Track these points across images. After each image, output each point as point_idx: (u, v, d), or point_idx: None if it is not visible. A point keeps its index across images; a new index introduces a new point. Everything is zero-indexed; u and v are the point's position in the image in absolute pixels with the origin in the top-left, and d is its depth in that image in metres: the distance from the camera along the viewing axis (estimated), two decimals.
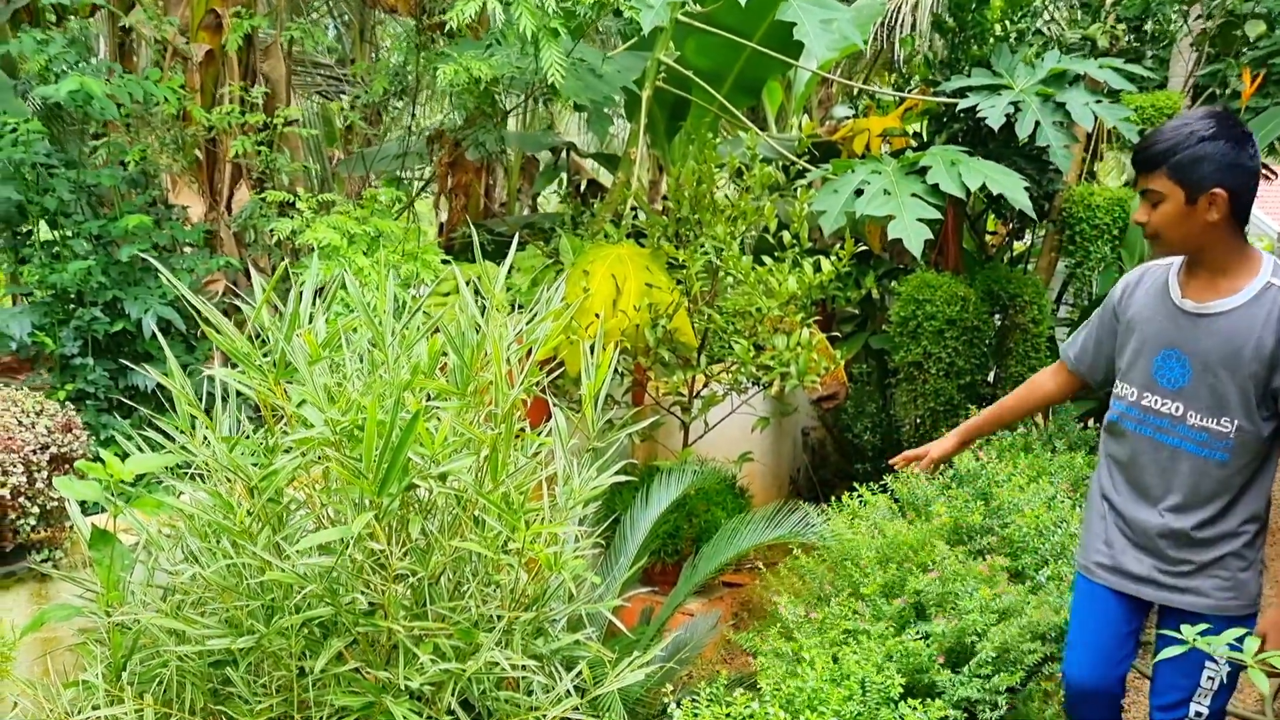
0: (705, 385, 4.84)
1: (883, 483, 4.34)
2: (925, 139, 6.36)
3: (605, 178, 8.87)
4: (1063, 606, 3.30)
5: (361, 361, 2.72)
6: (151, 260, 2.64)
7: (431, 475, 2.50)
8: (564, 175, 7.38)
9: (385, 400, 2.44)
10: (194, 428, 2.72)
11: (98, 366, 4.01)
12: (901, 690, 2.76)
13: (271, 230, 4.25)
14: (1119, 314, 2.75)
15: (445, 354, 2.73)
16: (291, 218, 4.13)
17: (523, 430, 2.70)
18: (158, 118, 4.71)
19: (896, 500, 4.16)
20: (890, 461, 3.25)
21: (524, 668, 2.62)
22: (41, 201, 3.98)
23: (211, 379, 2.77)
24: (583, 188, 7.83)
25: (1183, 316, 2.57)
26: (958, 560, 3.26)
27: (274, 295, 2.71)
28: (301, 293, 2.65)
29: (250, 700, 2.64)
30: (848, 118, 7.75)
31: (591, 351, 2.81)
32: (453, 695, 2.55)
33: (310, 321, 2.66)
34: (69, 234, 4.03)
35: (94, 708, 2.64)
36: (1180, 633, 2.20)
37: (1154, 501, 2.66)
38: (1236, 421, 2.51)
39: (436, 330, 2.72)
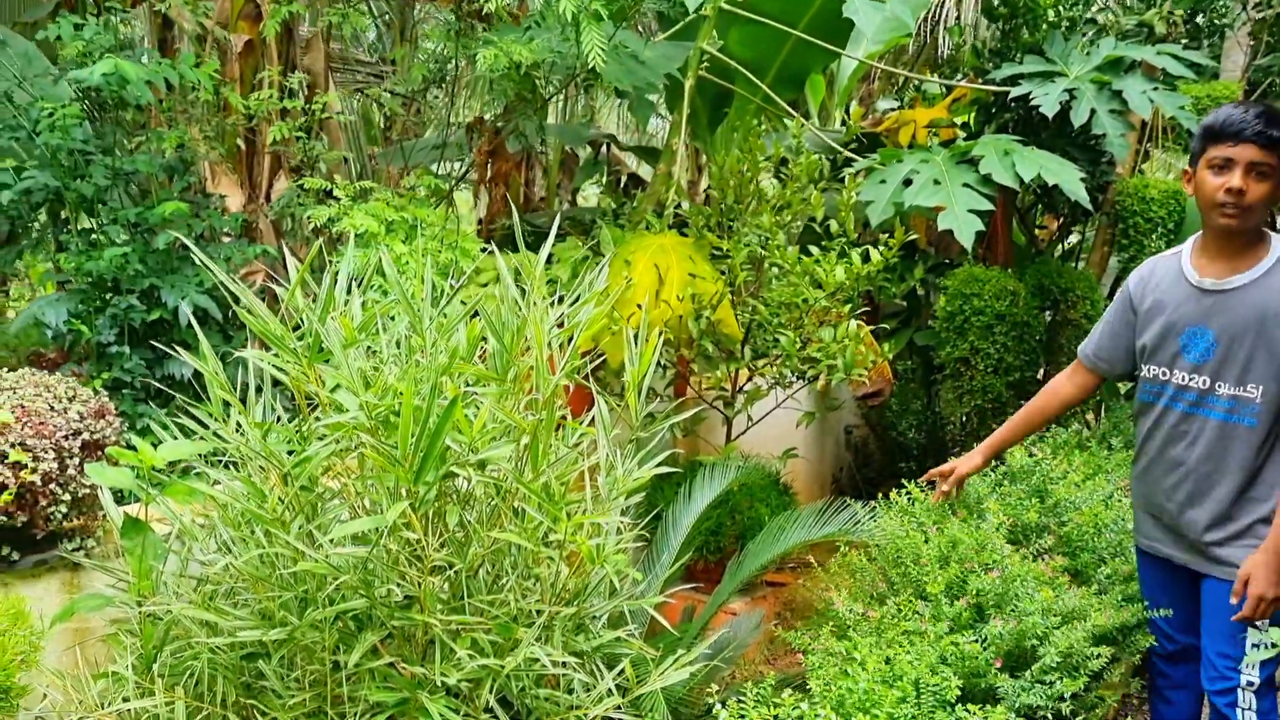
0: (749, 380, 4.73)
1: (931, 480, 4.21)
2: (974, 130, 6.21)
3: (645, 172, 8.77)
4: (1125, 606, 3.17)
5: (398, 347, 2.64)
6: (185, 240, 2.56)
7: (470, 463, 2.41)
8: (604, 169, 7.29)
9: (422, 385, 2.35)
10: (227, 414, 2.65)
11: (134, 355, 3.96)
12: (959, 693, 2.63)
13: (309, 219, 4.18)
14: (1136, 306, 2.98)
15: (484, 340, 2.65)
16: (330, 205, 4.06)
17: (564, 419, 2.61)
18: (197, 107, 4.67)
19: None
20: (924, 478, 3.37)
21: (565, 665, 2.52)
22: (78, 188, 3.93)
23: (247, 368, 2.70)
24: (623, 182, 7.74)
25: (1204, 295, 2.79)
26: (1018, 560, 3.13)
27: (309, 280, 2.63)
28: (337, 275, 2.57)
29: (282, 694, 2.57)
30: (892, 110, 7.60)
31: (635, 339, 2.71)
32: (491, 693, 2.46)
33: (345, 304, 2.58)
34: (106, 221, 3.98)
35: (124, 699, 2.58)
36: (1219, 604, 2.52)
37: (1186, 474, 2.87)
38: (1262, 386, 2.71)
39: (475, 315, 2.63)
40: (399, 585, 2.45)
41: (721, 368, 4.39)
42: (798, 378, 4.62)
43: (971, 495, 3.90)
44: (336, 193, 4.04)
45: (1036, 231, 7.41)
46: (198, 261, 4.17)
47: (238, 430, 2.68)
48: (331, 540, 2.37)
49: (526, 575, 2.59)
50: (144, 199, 4.22)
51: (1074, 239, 7.38)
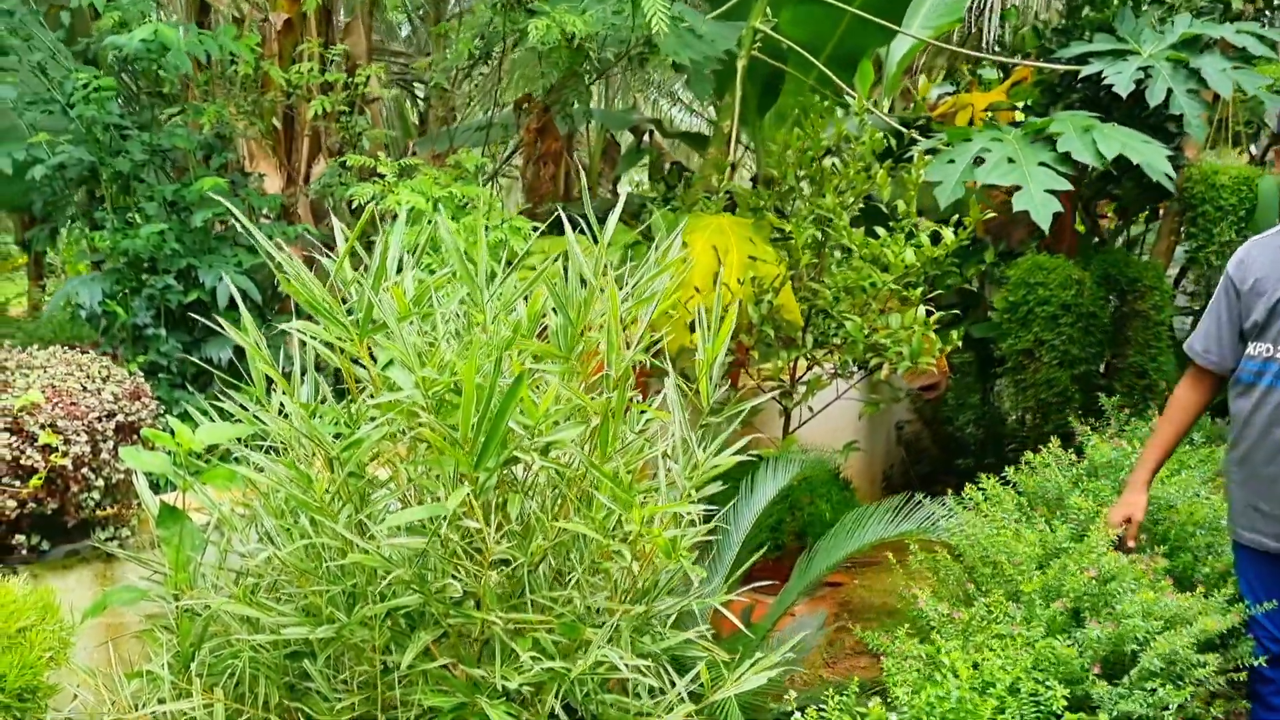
0: (809, 369, 4.51)
1: (1003, 475, 3.97)
2: (1039, 114, 5.96)
3: (691, 162, 8.57)
4: (1230, 610, 2.93)
5: (459, 318, 2.44)
6: (228, 205, 2.38)
7: (534, 448, 2.21)
8: (650, 156, 7.09)
9: (483, 362, 2.15)
10: (269, 394, 2.47)
11: (170, 337, 3.80)
12: (1065, 702, 2.41)
13: (351, 199, 4.00)
14: (1239, 289, 2.89)
15: (544, 315, 2.45)
16: (374, 184, 3.88)
17: (633, 400, 2.40)
18: (236, 84, 4.50)
19: (1021, 494, 3.79)
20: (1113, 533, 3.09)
21: (636, 669, 2.31)
22: (114, 164, 3.78)
23: (288, 355, 2.52)
24: (667, 169, 7.53)
25: None
26: (1115, 559, 2.89)
27: (359, 248, 2.44)
28: (389, 245, 2.37)
29: (329, 697, 2.38)
30: (946, 95, 7.36)
31: (707, 319, 2.51)
32: (556, 698, 2.26)
33: (398, 273, 2.38)
34: (142, 198, 3.82)
35: (159, 701, 2.40)
36: None
37: None
38: None
39: (529, 294, 2.43)
40: (456, 580, 2.25)
41: (782, 355, 4.18)
42: (859, 367, 4.40)
43: (1051, 490, 3.67)
44: (380, 169, 3.86)
45: (1099, 221, 7.14)
46: (235, 242, 4.00)
47: (281, 413, 2.49)
48: (385, 530, 2.18)
49: (593, 570, 2.38)
50: (180, 177, 4.06)
51: (1138, 228, 7.11)
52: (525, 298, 2.46)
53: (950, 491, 3.88)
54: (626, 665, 2.18)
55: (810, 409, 4.48)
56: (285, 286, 2.29)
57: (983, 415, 6.54)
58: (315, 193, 4.42)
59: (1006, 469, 3.95)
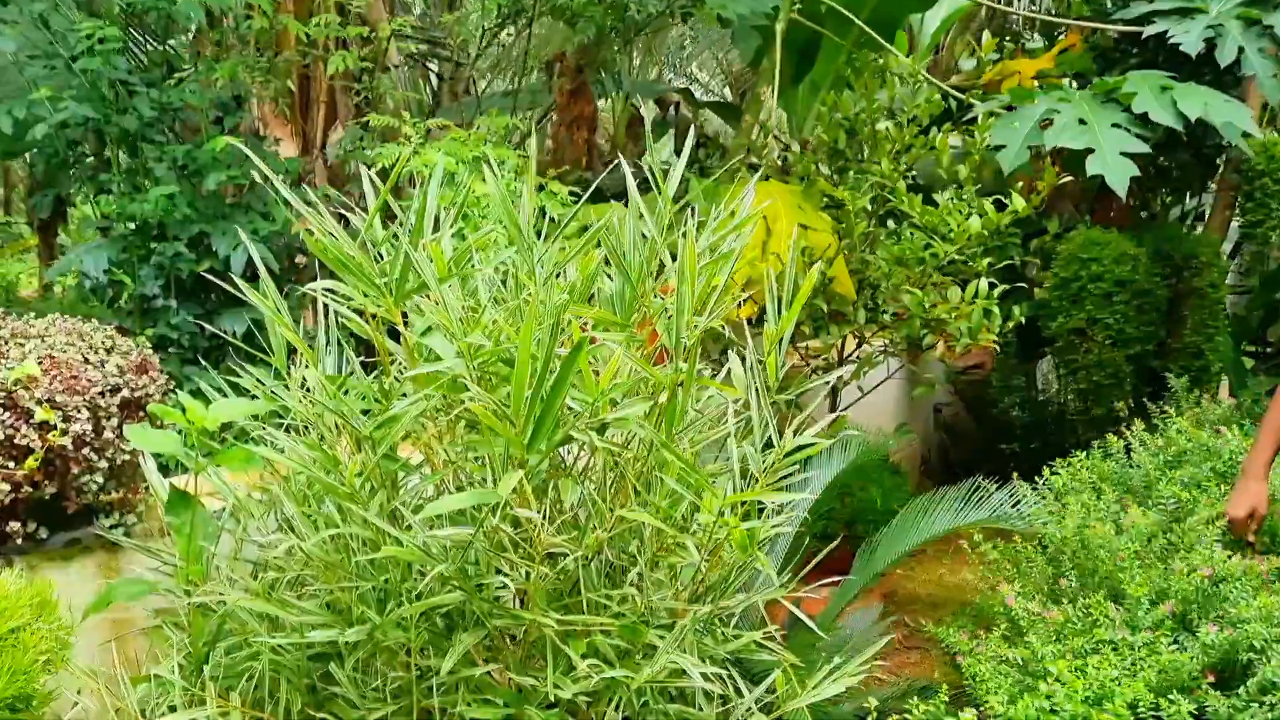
0: (859, 345, 4.23)
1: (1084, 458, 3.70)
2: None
3: (725, 136, 8.28)
4: None
5: (501, 286, 2.17)
6: (248, 154, 2.11)
7: (591, 427, 1.94)
8: (684, 128, 6.80)
9: (536, 329, 1.88)
10: (290, 365, 2.21)
11: (181, 310, 3.54)
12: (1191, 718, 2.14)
13: (375, 161, 3.73)
14: None
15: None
16: (400, 143, 3.61)
17: (700, 374, 2.12)
18: (250, 43, 4.23)
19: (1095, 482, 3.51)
20: (1236, 533, 2.79)
21: (705, 676, 2.05)
22: (120, 122, 3.51)
23: (309, 331, 2.25)
24: (699, 141, 7.25)
25: None
26: (1224, 557, 2.62)
27: (392, 201, 2.18)
28: (427, 198, 2.11)
29: (359, 705, 2.12)
30: (994, 59, 7.04)
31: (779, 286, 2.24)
32: (617, 709, 2.00)
33: (435, 230, 2.12)
34: (151, 159, 3.55)
35: (170, 708, 2.15)
36: None
37: None
38: None
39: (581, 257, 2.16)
40: (502, 575, 1.99)
41: (833, 330, 3.90)
42: (912, 345, 4.13)
43: (1138, 479, 3.39)
44: (405, 130, 3.59)
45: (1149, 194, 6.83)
46: (250, 208, 3.74)
47: (303, 388, 2.23)
48: (423, 520, 1.92)
49: (653, 565, 2.11)
50: (191, 139, 3.79)
51: (1190, 202, 6.80)
52: (574, 262, 2.20)
53: (997, 478, 3.61)
54: (699, 673, 1.91)
55: (860, 389, 4.20)
56: (310, 244, 2.03)
57: (1029, 398, 6.25)
58: (336, 157, 4.15)
59: (1062, 455, 3.67)
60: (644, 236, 2.04)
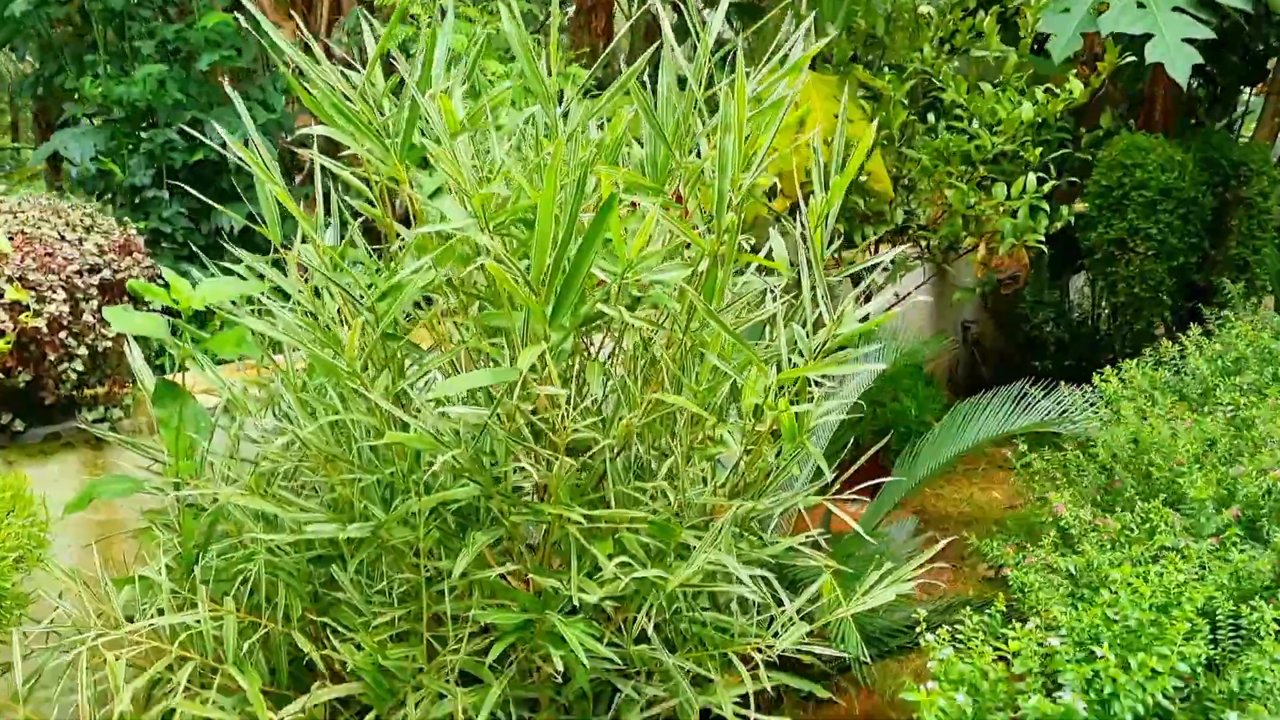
0: (893, 249, 3.98)
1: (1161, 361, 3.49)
2: None
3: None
4: None
5: (519, 150, 1.94)
6: (235, 20, 1.87)
7: (622, 301, 1.72)
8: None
9: (559, 188, 1.66)
10: (287, 247, 1.99)
11: (174, 202, 3.31)
12: (1276, 626, 1.94)
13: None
14: None
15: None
16: (407, 23, 3.35)
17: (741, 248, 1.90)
18: None
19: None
20: None
21: (745, 582, 1.85)
22: (106, 1, 3.25)
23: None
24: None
25: None
26: None
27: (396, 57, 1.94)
28: (435, 46, 1.87)
29: (363, 610, 1.93)
30: None
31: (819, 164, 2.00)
32: (647, 614, 1.80)
33: (445, 84, 1.88)
34: (139, 35, 3.30)
35: (158, 611, 1.97)
36: None
37: None
38: None
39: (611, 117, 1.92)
40: (520, 467, 1.79)
41: (867, 231, 3.66)
42: (949, 248, 3.89)
43: (1193, 387, 3.17)
44: (414, 9, 3.32)
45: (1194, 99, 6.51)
46: (248, 95, 3.48)
47: (302, 271, 2.02)
48: (432, 402, 1.71)
49: (689, 459, 1.90)
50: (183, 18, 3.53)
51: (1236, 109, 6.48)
52: (603, 124, 1.96)
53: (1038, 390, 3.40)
54: (744, 575, 1.71)
55: (897, 295, 3.97)
56: (305, 100, 1.80)
57: (1063, 314, 6.02)
58: (339, 44, 3.88)
59: (1096, 373, 3.45)
60: (680, 85, 1.80)
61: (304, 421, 1.96)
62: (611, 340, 2.03)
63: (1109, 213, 5.13)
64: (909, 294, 4.15)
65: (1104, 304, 5.96)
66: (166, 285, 2.05)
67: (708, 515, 2.00)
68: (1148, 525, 2.42)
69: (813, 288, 1.80)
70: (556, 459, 1.73)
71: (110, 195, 3.39)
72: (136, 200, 3.33)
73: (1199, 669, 1.87)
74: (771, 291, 2.04)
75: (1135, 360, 3.39)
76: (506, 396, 1.67)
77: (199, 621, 1.92)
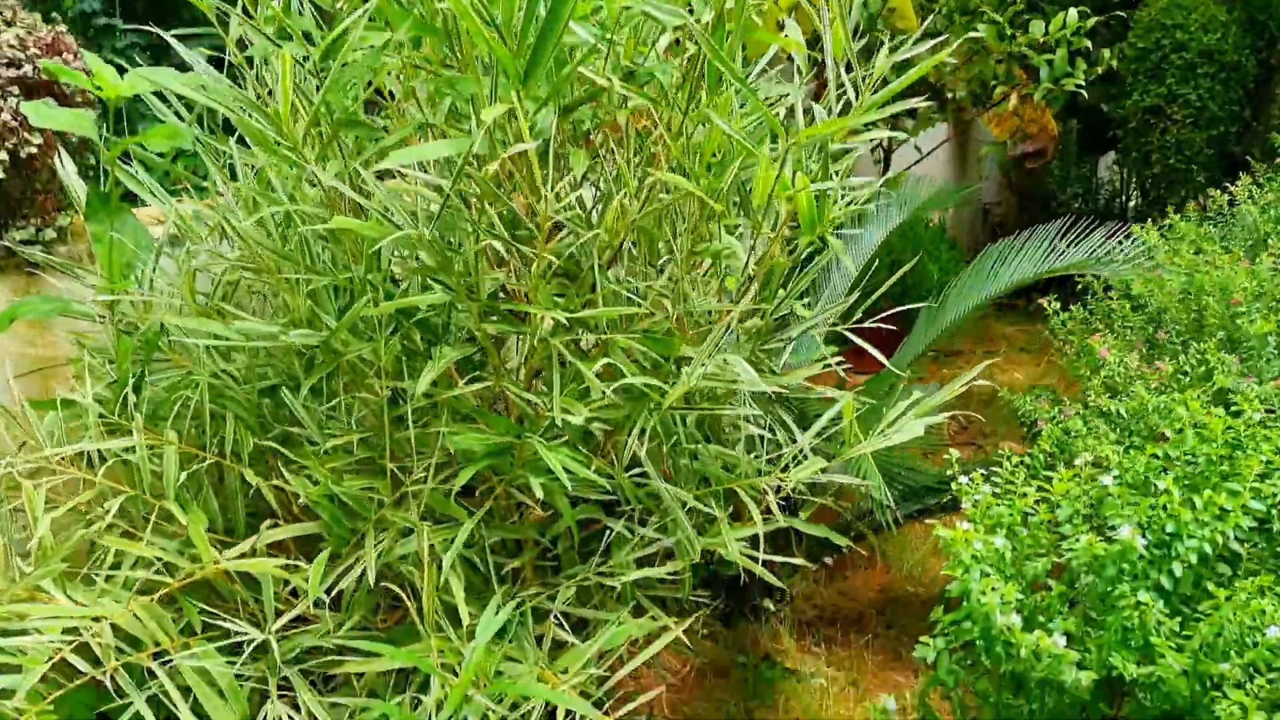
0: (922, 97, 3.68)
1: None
2: None
3: None
4: None
5: None
6: None
7: (611, 69, 1.45)
8: None
9: None
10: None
11: (128, 35, 3.01)
12: None
13: None
14: None
15: None
16: None
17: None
18: None
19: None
20: None
21: (752, 404, 1.61)
22: None
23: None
24: None
25: None
26: None
27: None
28: None
29: (318, 439, 1.70)
30: None
31: None
32: (639, 438, 1.56)
33: None
34: None
35: (84, 436, 1.73)
36: None
37: None
38: None
39: None
40: (495, 263, 1.54)
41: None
42: (977, 100, 3.58)
43: (1241, 235, 2.91)
44: None
45: None
46: None
47: (240, 49, 1.74)
48: (382, 172, 1.45)
49: (690, 263, 1.65)
50: None
51: None
52: None
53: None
54: (750, 378, 1.46)
55: (919, 149, 3.67)
56: None
57: (1091, 189, 5.72)
58: None
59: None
60: None
61: (255, 235, 1.70)
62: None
63: (1145, 78, 4.81)
64: (935, 149, 3.86)
65: (1134, 183, 5.66)
66: (89, 72, 1.78)
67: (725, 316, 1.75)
68: (1203, 368, 2.17)
69: (841, 40, 1.52)
70: (538, 255, 1.47)
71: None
72: (89, 31, 3.03)
73: (1274, 510, 1.64)
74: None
75: (1179, 214, 3.13)
76: (475, 164, 1.41)
77: (134, 449, 1.69)
